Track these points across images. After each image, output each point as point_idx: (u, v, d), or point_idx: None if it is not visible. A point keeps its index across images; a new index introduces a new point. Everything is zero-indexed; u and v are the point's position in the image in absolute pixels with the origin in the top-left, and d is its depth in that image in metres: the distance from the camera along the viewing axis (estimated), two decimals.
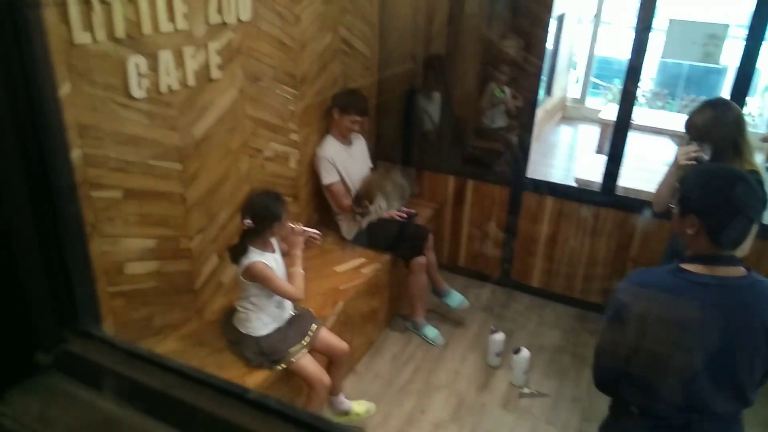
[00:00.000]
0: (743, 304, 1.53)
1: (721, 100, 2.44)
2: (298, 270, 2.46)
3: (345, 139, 3.37)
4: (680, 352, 1.55)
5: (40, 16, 0.65)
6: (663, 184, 2.54)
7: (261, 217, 2.34)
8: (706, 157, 2.34)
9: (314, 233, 2.55)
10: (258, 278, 2.37)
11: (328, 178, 3.32)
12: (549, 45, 5.85)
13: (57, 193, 0.60)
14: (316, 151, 3.34)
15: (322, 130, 3.41)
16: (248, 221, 2.32)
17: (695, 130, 2.36)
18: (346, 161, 3.38)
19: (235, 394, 0.53)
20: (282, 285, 2.41)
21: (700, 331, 1.54)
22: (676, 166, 2.41)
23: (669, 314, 1.55)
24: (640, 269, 1.76)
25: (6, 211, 0.56)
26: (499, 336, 3.30)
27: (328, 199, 3.45)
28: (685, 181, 1.63)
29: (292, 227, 2.47)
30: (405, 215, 3.44)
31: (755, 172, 2.26)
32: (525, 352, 3.17)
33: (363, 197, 3.33)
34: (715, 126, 2.30)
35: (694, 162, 2.33)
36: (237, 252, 2.38)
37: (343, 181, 3.36)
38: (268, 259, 2.39)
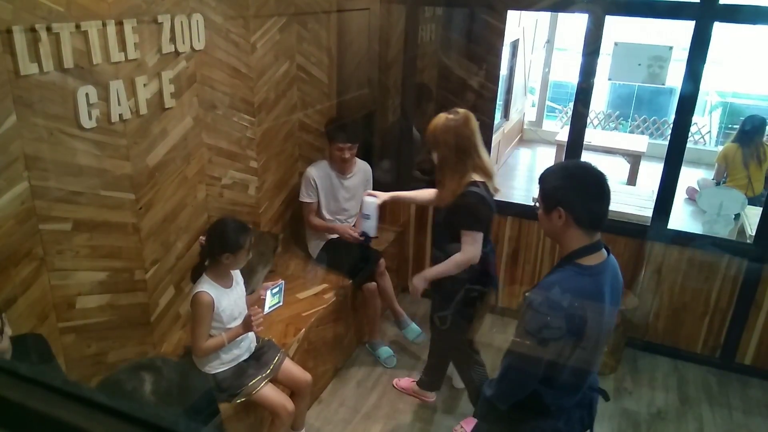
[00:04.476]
0: (616, 276, 1.77)
1: (453, 110, 2.57)
2: (224, 340, 2.31)
3: (339, 168, 3.38)
4: (600, 337, 1.72)
5: None
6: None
7: (213, 240, 2.30)
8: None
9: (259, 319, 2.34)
10: (192, 311, 2.28)
11: (305, 197, 3.38)
12: (504, 70, 6.00)
13: None
14: (306, 168, 3.41)
15: (281, 157, 3.40)
16: (202, 238, 2.29)
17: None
18: (334, 188, 3.40)
19: (65, 392, 0.50)
20: (197, 334, 2.27)
21: (606, 312, 1.71)
22: None
23: (598, 309, 1.68)
24: (548, 282, 1.72)
25: None
26: None
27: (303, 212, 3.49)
28: (546, 180, 1.74)
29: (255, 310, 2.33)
30: (360, 236, 3.20)
31: (474, 182, 2.47)
32: None
33: None
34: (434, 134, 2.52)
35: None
36: (195, 271, 2.32)
37: (319, 203, 3.38)
38: (218, 293, 2.31)
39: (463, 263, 2.52)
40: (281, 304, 2.39)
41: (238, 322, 2.39)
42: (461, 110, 2.53)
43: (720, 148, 6.49)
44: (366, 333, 3.62)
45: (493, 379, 1.87)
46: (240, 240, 2.29)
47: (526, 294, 1.75)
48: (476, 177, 2.48)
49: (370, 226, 2.92)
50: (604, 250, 1.73)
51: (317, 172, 3.37)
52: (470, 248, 2.49)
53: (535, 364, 1.69)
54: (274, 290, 2.41)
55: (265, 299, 2.39)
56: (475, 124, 2.50)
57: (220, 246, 2.28)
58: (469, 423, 3.05)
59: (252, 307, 2.37)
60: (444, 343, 2.92)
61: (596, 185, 1.68)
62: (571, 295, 1.62)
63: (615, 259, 1.79)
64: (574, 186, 1.69)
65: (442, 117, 2.52)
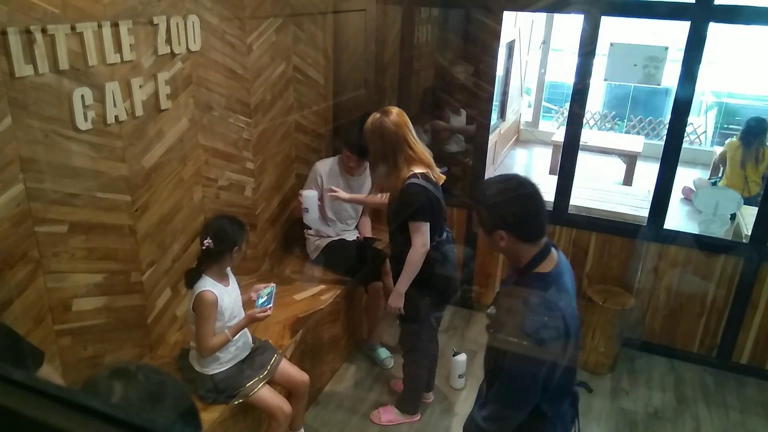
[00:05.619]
0: (570, 272, 1.79)
1: (384, 109, 2.62)
2: (228, 336, 2.34)
3: (349, 170, 3.36)
4: (578, 336, 1.75)
5: None
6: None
7: (219, 240, 2.28)
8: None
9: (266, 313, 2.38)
10: (196, 311, 2.28)
11: (305, 187, 3.37)
12: (500, 71, 6.00)
13: None
14: (315, 163, 3.42)
15: (278, 158, 3.40)
16: (208, 241, 2.26)
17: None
18: (339, 187, 3.33)
19: (59, 398, 0.49)
20: (204, 333, 2.27)
21: (574, 312, 1.73)
22: None
23: (572, 312, 1.70)
24: (533, 304, 1.67)
25: None
26: (462, 358, 3.31)
27: None
28: (480, 203, 1.72)
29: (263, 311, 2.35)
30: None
31: (414, 175, 2.50)
32: (462, 356, 3.30)
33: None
34: (364, 133, 2.62)
35: None
36: (192, 276, 2.30)
37: (322, 200, 3.32)
38: (220, 291, 2.32)
39: (417, 257, 2.59)
40: (272, 306, 2.37)
41: (238, 320, 2.39)
42: (394, 109, 2.60)
43: (716, 148, 6.52)
44: (365, 332, 3.62)
45: (483, 406, 1.77)
46: (242, 232, 2.35)
47: (489, 312, 1.75)
48: (415, 169, 2.54)
49: (310, 219, 3.05)
50: (554, 250, 1.73)
51: (325, 169, 3.36)
52: (418, 239, 2.57)
53: (533, 387, 1.65)
54: (265, 293, 2.40)
55: (255, 301, 2.40)
56: (404, 119, 2.56)
57: (230, 242, 2.30)
58: (388, 411, 3.10)
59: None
60: (414, 334, 2.92)
61: (530, 199, 1.67)
62: (557, 306, 1.63)
63: (564, 255, 1.81)
64: (509, 206, 1.66)
65: (371, 117, 2.60)
